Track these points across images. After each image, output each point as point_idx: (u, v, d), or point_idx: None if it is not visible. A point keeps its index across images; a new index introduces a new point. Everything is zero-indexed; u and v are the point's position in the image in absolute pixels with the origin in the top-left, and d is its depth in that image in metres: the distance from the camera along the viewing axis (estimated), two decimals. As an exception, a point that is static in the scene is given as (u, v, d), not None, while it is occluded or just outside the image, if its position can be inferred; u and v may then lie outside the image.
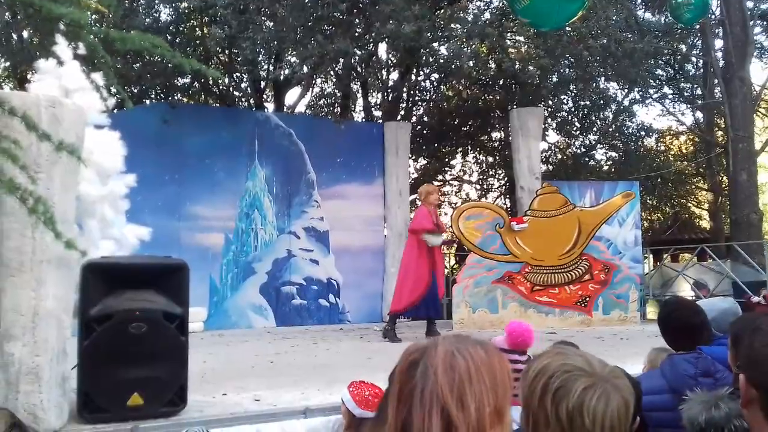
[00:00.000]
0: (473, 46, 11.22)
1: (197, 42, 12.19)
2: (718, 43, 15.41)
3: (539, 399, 1.36)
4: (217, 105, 13.95)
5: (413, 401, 1.19)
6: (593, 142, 17.40)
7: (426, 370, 1.21)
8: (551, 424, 1.33)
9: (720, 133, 17.14)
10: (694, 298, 10.49)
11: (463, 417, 1.16)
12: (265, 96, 15.28)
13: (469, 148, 18.68)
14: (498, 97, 15.95)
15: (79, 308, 3.58)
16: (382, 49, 14.45)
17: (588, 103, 16.05)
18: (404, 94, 16.02)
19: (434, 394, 1.18)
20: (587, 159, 17.42)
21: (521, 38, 13.60)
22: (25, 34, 11.89)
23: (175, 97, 12.94)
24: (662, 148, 20.12)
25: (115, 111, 6.20)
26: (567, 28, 10.84)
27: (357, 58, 11.73)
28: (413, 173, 16.81)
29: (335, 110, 15.72)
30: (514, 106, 12.80)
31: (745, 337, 1.37)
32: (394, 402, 1.23)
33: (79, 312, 3.57)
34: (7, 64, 12.23)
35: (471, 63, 11.47)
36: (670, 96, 18.49)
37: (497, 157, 18.40)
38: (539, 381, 1.38)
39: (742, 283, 11.06)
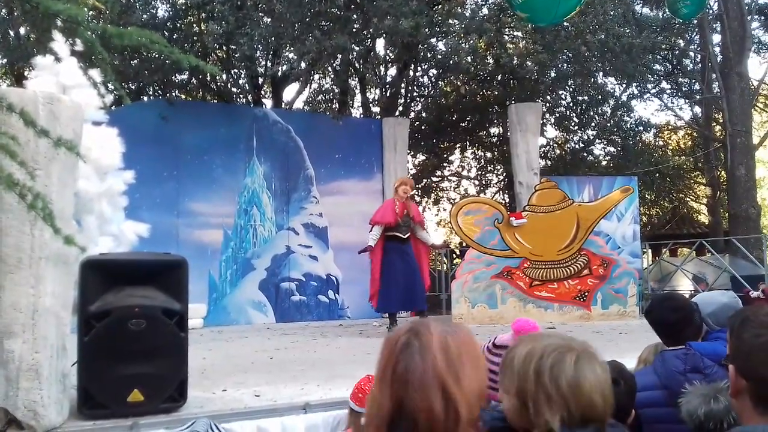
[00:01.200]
0: (471, 41, 11.22)
1: (195, 38, 12.17)
2: (716, 38, 15.44)
3: (535, 380, 1.44)
4: (215, 101, 13.93)
5: (411, 380, 1.23)
6: (591, 138, 17.40)
7: (424, 351, 1.25)
8: (553, 399, 1.42)
9: (718, 128, 17.15)
10: (693, 292, 10.51)
11: (461, 394, 1.22)
12: (263, 92, 15.27)
13: (468, 143, 18.67)
14: (496, 93, 15.94)
15: (78, 305, 3.57)
16: (380, 44, 14.45)
17: (586, 98, 16.04)
18: (402, 90, 16.00)
19: (435, 374, 1.23)
20: (585, 154, 17.41)
21: (519, 34, 13.60)
22: (22, 30, 11.86)
23: (173, 94, 12.92)
24: (660, 143, 20.12)
25: (112, 108, 6.20)
26: (565, 24, 10.83)
27: (355, 53, 11.70)
28: (412, 169, 16.80)
29: (333, 106, 15.68)
30: (513, 102, 12.80)
31: (734, 329, 1.40)
32: (386, 384, 1.26)
33: (78, 309, 3.57)
34: (4, 61, 12.20)
35: (469, 58, 11.46)
36: (668, 91, 18.50)
37: (496, 153, 18.40)
38: (529, 365, 1.47)
39: (741, 278, 11.07)
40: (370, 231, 8.08)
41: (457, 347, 1.28)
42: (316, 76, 16.28)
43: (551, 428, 1.43)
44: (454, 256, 15.67)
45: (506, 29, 13.42)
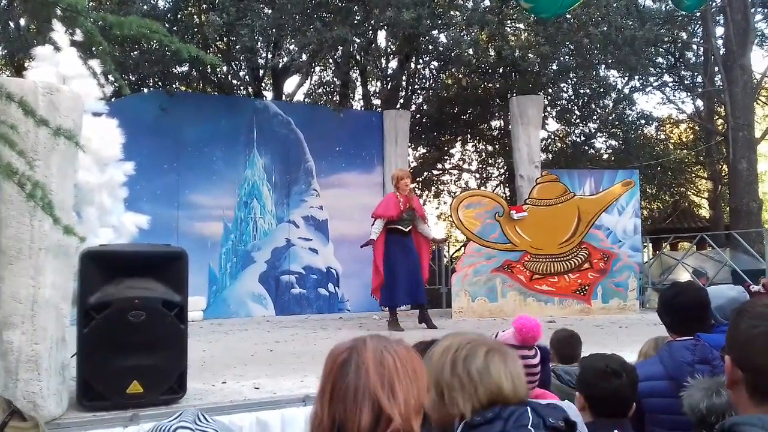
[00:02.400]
0: (473, 33, 11.17)
1: (195, 29, 12.11)
2: (719, 31, 15.36)
3: (450, 369, 1.59)
4: (216, 93, 13.90)
5: (347, 397, 1.30)
6: (593, 131, 17.35)
7: (358, 367, 1.32)
8: (465, 385, 1.56)
9: (720, 121, 17.10)
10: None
11: (395, 407, 1.29)
12: (263, 84, 15.22)
13: (469, 136, 18.62)
14: (498, 85, 15.88)
15: (78, 296, 3.56)
16: (382, 36, 14.41)
17: (588, 91, 15.98)
18: (403, 82, 15.96)
19: (366, 388, 1.30)
20: (587, 147, 17.36)
21: (521, 26, 13.52)
22: (22, 21, 11.82)
23: (173, 86, 12.88)
24: (662, 136, 20.05)
25: (113, 99, 6.17)
26: (567, 16, 10.79)
27: (356, 45, 11.68)
28: (412, 162, 16.77)
29: (334, 98, 15.65)
30: (514, 94, 12.75)
31: (732, 320, 1.41)
32: (326, 400, 1.33)
33: (78, 300, 3.56)
34: (4, 51, 12.15)
35: (471, 51, 11.44)
36: (671, 84, 18.43)
37: (497, 146, 18.36)
38: (446, 356, 1.61)
39: (741, 272, 11.05)
40: (372, 224, 8.06)
41: (395, 363, 1.34)
42: (317, 68, 16.22)
43: (464, 416, 1.54)
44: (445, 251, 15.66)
45: (508, 21, 13.36)
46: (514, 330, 3.45)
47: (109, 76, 4.31)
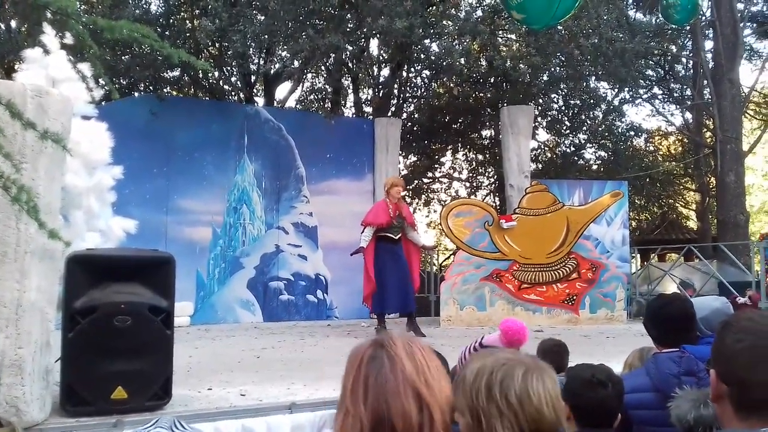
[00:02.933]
0: (465, 43, 11.21)
1: (187, 35, 12.10)
2: (708, 44, 15.50)
3: (486, 395, 1.46)
4: (207, 98, 13.88)
5: (387, 390, 1.28)
6: (583, 142, 17.45)
7: (392, 360, 1.31)
8: (504, 412, 1.44)
9: (708, 134, 17.23)
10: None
11: (432, 398, 1.28)
12: (255, 90, 15.22)
13: (459, 145, 18.68)
14: (489, 95, 15.95)
15: (63, 300, 3.53)
16: (374, 44, 14.43)
17: (578, 102, 16.09)
18: (395, 90, 15.99)
19: (406, 380, 1.28)
20: (576, 158, 17.46)
21: (513, 36, 13.61)
22: (12, 23, 11.76)
23: (164, 90, 12.85)
24: (651, 148, 20.20)
25: (102, 103, 6.15)
26: (558, 27, 10.85)
27: (348, 53, 11.68)
28: (403, 170, 16.79)
29: (325, 105, 15.66)
30: (505, 104, 12.81)
31: (717, 333, 1.41)
32: (360, 397, 1.30)
33: (63, 304, 3.53)
34: (-6, 53, 12.07)
35: (462, 60, 11.47)
36: (660, 96, 18.59)
37: (487, 155, 18.42)
38: (481, 380, 1.49)
39: (728, 284, 11.13)
40: (362, 232, 8.04)
41: (422, 355, 1.34)
42: (309, 75, 16.23)
43: None
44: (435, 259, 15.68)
45: (500, 31, 13.43)
46: (501, 332, 3.46)
47: (99, 80, 4.29)
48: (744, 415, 1.32)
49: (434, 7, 12.61)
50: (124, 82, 12.33)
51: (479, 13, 12.44)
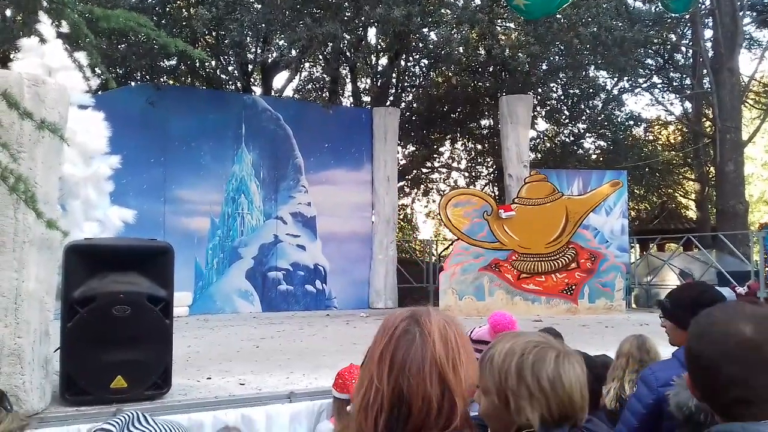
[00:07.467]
0: (463, 32, 11.15)
1: (184, 23, 12.03)
2: (708, 33, 15.45)
3: (517, 377, 1.44)
4: (204, 88, 13.82)
5: (412, 367, 1.24)
6: (582, 131, 17.42)
7: (424, 338, 1.26)
8: (534, 394, 1.42)
9: (708, 123, 17.20)
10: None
11: (457, 383, 1.24)
12: (252, 79, 15.15)
13: (458, 135, 18.65)
14: (487, 84, 15.91)
15: (62, 290, 3.53)
16: (372, 33, 14.37)
17: (577, 91, 16.05)
18: (393, 80, 15.93)
19: (434, 361, 1.24)
20: (576, 147, 17.43)
21: (511, 25, 13.55)
22: (8, 12, 11.68)
23: (161, 79, 12.80)
24: (650, 137, 20.17)
25: (99, 92, 6.11)
26: (557, 15, 10.81)
27: (346, 42, 11.63)
28: (401, 159, 16.77)
29: (323, 95, 15.60)
30: (504, 94, 12.78)
31: (690, 341, 1.41)
32: (385, 369, 1.26)
33: (62, 294, 3.52)
34: (-10, 42, 11.99)
35: (461, 49, 11.43)
36: (659, 86, 18.53)
37: (486, 145, 18.39)
38: (510, 361, 1.46)
39: (727, 273, 11.13)
40: None
41: (455, 337, 1.28)
42: (307, 64, 16.16)
43: (530, 427, 1.42)
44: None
45: (499, 20, 13.37)
46: (489, 326, 3.46)
47: (96, 69, 4.27)
48: (725, 419, 1.32)
49: (432, -4, 12.54)
50: (121, 72, 12.26)
51: (477, 1, 12.36)
